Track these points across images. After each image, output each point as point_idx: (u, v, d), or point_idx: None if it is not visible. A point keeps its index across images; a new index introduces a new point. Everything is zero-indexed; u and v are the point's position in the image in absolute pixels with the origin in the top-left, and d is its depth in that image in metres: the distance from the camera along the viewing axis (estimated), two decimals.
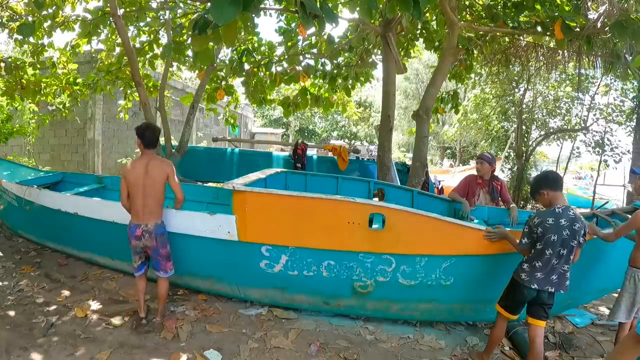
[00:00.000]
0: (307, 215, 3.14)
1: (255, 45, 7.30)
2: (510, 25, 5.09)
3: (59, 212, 4.09)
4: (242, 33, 6.15)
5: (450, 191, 4.48)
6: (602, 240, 2.91)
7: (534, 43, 6.04)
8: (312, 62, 7.31)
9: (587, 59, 5.63)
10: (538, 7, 4.81)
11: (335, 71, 7.40)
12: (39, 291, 3.68)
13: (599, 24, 4.25)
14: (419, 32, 6.99)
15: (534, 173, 10.70)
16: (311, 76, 7.29)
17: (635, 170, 3.49)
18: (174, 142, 7.36)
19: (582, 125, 10.61)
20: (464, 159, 21.07)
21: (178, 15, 6.57)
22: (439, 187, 8.20)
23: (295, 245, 3.19)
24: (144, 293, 3.29)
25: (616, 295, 2.96)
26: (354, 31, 6.68)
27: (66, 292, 3.68)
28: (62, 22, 5.97)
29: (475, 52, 6.61)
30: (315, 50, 7.02)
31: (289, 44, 6.91)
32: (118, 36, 5.99)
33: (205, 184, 6.78)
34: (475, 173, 4.43)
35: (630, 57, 5.08)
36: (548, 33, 4.63)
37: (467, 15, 6.15)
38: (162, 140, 6.85)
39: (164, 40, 6.80)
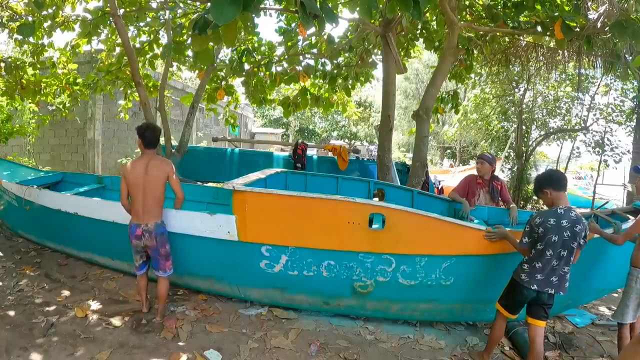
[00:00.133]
0: (307, 215, 3.14)
1: (255, 45, 7.30)
2: (510, 25, 5.09)
3: (59, 212, 4.09)
4: (242, 33, 6.15)
5: (450, 191, 4.48)
6: (608, 241, 2.90)
7: (534, 43, 6.04)
8: (312, 62, 7.31)
9: (587, 59, 5.63)
10: (538, 7, 4.80)
11: (335, 71, 7.40)
12: (39, 291, 3.68)
13: (599, 24, 4.24)
14: (419, 32, 6.98)
15: (534, 173, 10.71)
16: (311, 76, 7.29)
17: (639, 168, 3.48)
18: (174, 142, 7.36)
19: (582, 125, 10.61)
20: (464, 159, 21.06)
21: (178, 15, 6.57)
22: (439, 187, 8.19)
23: (295, 245, 3.19)
24: (145, 290, 3.35)
25: (616, 295, 2.96)
26: (354, 31, 6.68)
27: (66, 292, 3.68)
28: (62, 22, 5.97)
29: (475, 52, 6.61)
30: (315, 50, 7.02)
31: (289, 44, 6.91)
32: (118, 36, 5.99)
33: (205, 184, 6.77)
34: (476, 173, 4.43)
35: (630, 57, 5.08)
36: (548, 33, 4.63)
37: (467, 15, 6.15)
38: (162, 140, 6.85)
39: (164, 40, 6.81)
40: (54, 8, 5.71)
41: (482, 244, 3.02)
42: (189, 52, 6.52)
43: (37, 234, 4.88)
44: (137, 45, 6.75)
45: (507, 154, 11.19)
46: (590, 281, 3.27)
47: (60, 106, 7.64)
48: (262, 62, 7.05)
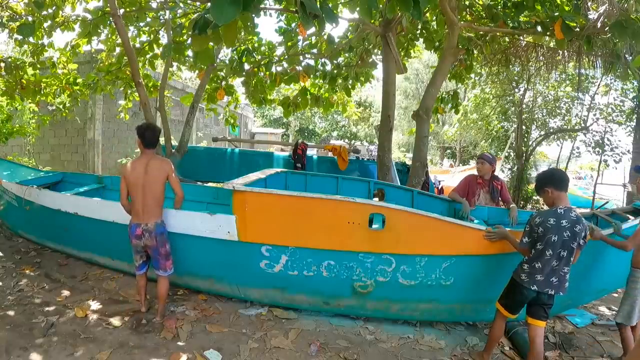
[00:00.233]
0: (307, 215, 3.14)
1: (255, 45, 7.30)
2: (510, 25, 5.09)
3: (59, 212, 4.09)
4: (242, 33, 6.15)
5: (450, 191, 4.48)
6: (616, 248, 2.89)
7: (534, 43, 6.04)
8: (312, 62, 7.31)
9: (587, 59, 5.63)
10: (538, 7, 4.80)
11: (335, 71, 7.40)
12: (39, 291, 3.68)
13: (599, 24, 4.24)
14: (419, 32, 6.98)
15: (534, 173, 10.71)
16: (311, 76, 7.29)
17: None
18: (174, 142, 7.36)
19: (582, 125, 10.61)
20: (464, 159, 21.06)
21: (178, 15, 6.57)
22: (439, 187, 8.19)
23: (295, 245, 3.19)
24: (144, 289, 3.36)
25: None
26: (354, 31, 6.68)
27: (66, 292, 3.68)
28: (62, 22, 5.97)
29: (475, 52, 6.61)
30: (315, 50, 7.02)
31: (289, 44, 6.91)
32: (118, 36, 5.99)
33: (205, 184, 6.78)
34: (476, 173, 4.43)
35: (630, 57, 5.08)
36: (548, 33, 4.63)
37: (467, 15, 6.15)
38: (162, 140, 6.85)
39: (164, 40, 6.81)
40: (54, 8, 5.71)
41: (482, 244, 3.02)
42: (189, 52, 6.53)
43: (37, 234, 4.88)
44: (137, 45, 6.75)
45: (507, 154, 11.19)
46: (590, 281, 3.27)
47: (60, 106, 7.64)
48: (262, 62, 7.05)
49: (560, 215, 2.55)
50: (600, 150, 10.34)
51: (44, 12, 5.59)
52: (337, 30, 57.32)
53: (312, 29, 3.91)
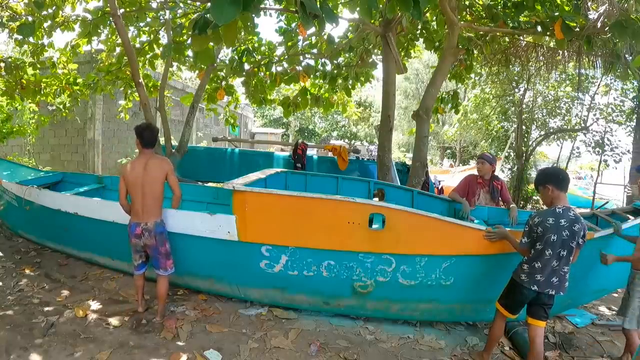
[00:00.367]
0: (307, 215, 3.14)
1: (255, 45, 7.30)
2: (510, 25, 5.09)
3: (59, 212, 4.09)
4: (242, 33, 6.15)
5: (451, 191, 4.48)
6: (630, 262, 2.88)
7: (534, 43, 6.03)
8: (312, 62, 7.31)
9: (587, 59, 5.63)
10: (538, 7, 4.80)
11: (335, 71, 7.40)
12: (39, 291, 3.68)
13: (599, 24, 4.24)
14: (419, 32, 6.98)
15: (534, 173, 10.70)
16: (311, 76, 7.29)
17: None
18: (174, 142, 7.36)
19: (582, 125, 10.61)
20: (464, 159, 21.06)
21: (178, 15, 6.57)
22: (439, 187, 8.19)
23: (295, 245, 3.19)
24: (142, 289, 3.36)
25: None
26: (354, 31, 6.68)
27: (66, 292, 3.68)
28: (62, 22, 5.97)
29: (475, 52, 6.61)
30: (315, 50, 7.02)
31: (289, 44, 6.91)
32: (118, 36, 5.99)
33: (205, 184, 6.78)
34: (476, 173, 4.43)
35: (630, 57, 5.08)
36: (548, 33, 4.63)
37: (467, 15, 6.15)
38: (162, 140, 6.85)
39: (164, 40, 6.81)
40: (54, 8, 5.71)
41: (482, 244, 3.02)
42: (189, 52, 6.53)
43: (37, 234, 4.88)
44: (137, 45, 6.75)
45: (507, 154, 11.19)
46: (590, 281, 3.27)
47: (60, 106, 7.64)
48: (262, 62, 7.05)
49: (559, 214, 2.56)
50: (600, 150, 10.34)
51: (44, 12, 5.59)
52: (337, 30, 57.35)
53: (312, 29, 3.91)
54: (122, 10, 5.59)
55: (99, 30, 5.92)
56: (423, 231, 3.09)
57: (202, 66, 6.48)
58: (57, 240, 4.60)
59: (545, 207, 2.75)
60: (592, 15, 4.41)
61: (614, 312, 3.95)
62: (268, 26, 55.04)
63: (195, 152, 8.31)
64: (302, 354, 2.91)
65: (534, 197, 10.39)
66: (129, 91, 7.60)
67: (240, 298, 3.64)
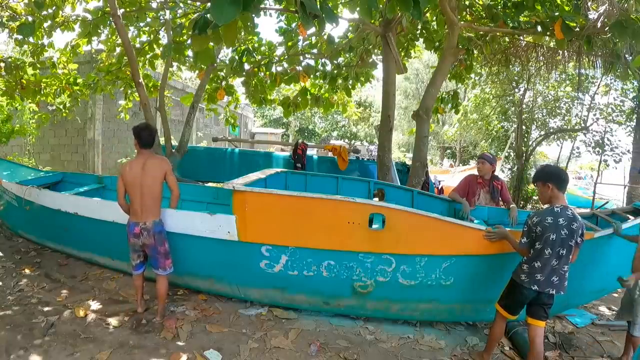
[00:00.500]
0: (307, 215, 3.14)
1: (256, 45, 7.30)
2: (510, 25, 5.09)
3: (59, 212, 4.09)
4: (242, 33, 6.15)
5: (451, 191, 4.48)
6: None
7: (534, 43, 6.03)
8: (312, 62, 7.31)
9: (587, 59, 5.63)
10: (538, 7, 4.80)
11: (335, 71, 7.40)
12: (39, 291, 3.68)
13: (599, 24, 4.24)
14: (419, 32, 6.98)
15: (533, 173, 10.69)
16: (311, 76, 7.29)
17: None
18: (174, 142, 7.36)
19: (582, 125, 10.62)
20: (464, 159, 21.06)
21: (178, 15, 6.58)
22: (439, 187, 8.19)
23: (295, 245, 3.19)
24: (141, 289, 3.36)
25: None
26: (354, 31, 6.68)
27: (66, 292, 3.68)
28: (62, 22, 5.97)
29: (475, 52, 6.61)
30: (315, 50, 7.02)
31: (289, 44, 6.91)
32: (118, 36, 5.99)
33: (205, 184, 6.78)
34: (476, 173, 4.43)
35: (630, 57, 5.08)
36: (548, 33, 4.62)
37: (467, 15, 6.15)
38: (162, 140, 6.86)
39: (164, 40, 6.81)
40: (54, 8, 5.71)
41: (482, 244, 3.02)
42: (189, 52, 6.53)
43: (37, 234, 4.88)
44: (137, 45, 6.75)
45: (507, 154, 11.19)
46: (590, 281, 3.27)
47: (60, 106, 7.64)
48: (262, 62, 7.05)
49: (557, 213, 2.57)
50: (600, 150, 10.34)
51: (44, 12, 5.60)
52: (337, 30, 57.37)
53: (312, 29, 3.91)
54: (122, 10, 5.59)
55: (99, 30, 5.93)
56: (423, 231, 3.09)
57: (202, 66, 6.48)
58: (57, 240, 4.60)
59: (541, 204, 2.75)
60: (592, 15, 4.41)
61: (614, 312, 3.95)
62: (268, 26, 55.08)
63: (195, 152, 8.31)
64: (302, 354, 2.91)
65: (534, 197, 10.39)
66: (129, 91, 7.60)
67: (240, 298, 3.64)
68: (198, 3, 5.92)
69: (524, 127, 10.77)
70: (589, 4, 4.48)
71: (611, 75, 8.27)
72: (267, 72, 7.01)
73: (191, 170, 7.66)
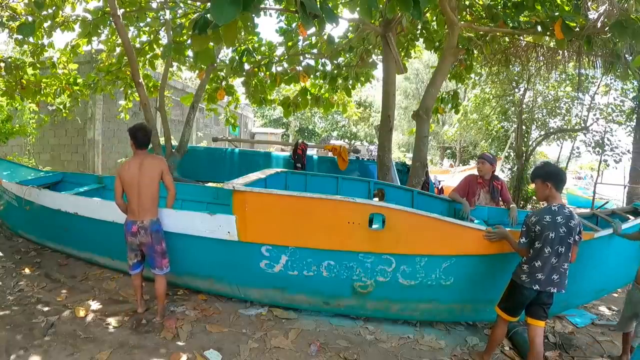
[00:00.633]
0: (307, 215, 3.14)
1: (256, 45, 7.30)
2: (510, 25, 5.09)
3: (59, 212, 4.09)
4: (242, 33, 6.15)
5: (451, 191, 4.48)
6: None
7: (534, 43, 6.03)
8: (312, 62, 7.31)
9: (587, 59, 5.62)
10: (538, 7, 4.80)
11: (335, 71, 7.40)
12: (39, 291, 3.68)
13: (599, 24, 4.24)
14: (419, 32, 6.98)
15: (532, 170, 10.67)
16: (311, 76, 7.29)
17: None
18: (174, 142, 7.36)
19: (582, 125, 10.61)
20: (464, 159, 21.06)
21: (178, 15, 6.58)
22: (439, 187, 8.19)
23: (295, 245, 3.19)
24: (140, 289, 3.36)
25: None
26: (354, 31, 6.68)
27: (66, 292, 3.68)
28: (62, 22, 5.97)
29: (475, 52, 6.60)
30: (315, 51, 7.02)
31: (289, 44, 6.91)
32: (118, 36, 5.99)
33: (205, 184, 6.78)
34: (476, 173, 4.43)
35: (630, 57, 5.08)
36: (548, 33, 4.62)
37: (467, 15, 6.15)
38: (162, 140, 6.86)
39: (164, 40, 6.81)
40: (54, 8, 5.71)
41: (482, 244, 3.02)
42: (189, 52, 6.53)
43: (37, 234, 4.88)
44: (137, 45, 6.75)
45: (507, 154, 11.19)
46: (590, 281, 3.27)
47: (61, 106, 7.64)
48: (262, 62, 7.05)
49: (554, 212, 2.59)
50: (600, 150, 10.34)
51: (44, 12, 5.59)
52: (337, 30, 57.37)
53: (312, 29, 3.91)
54: (122, 10, 5.59)
55: (99, 30, 5.92)
56: (423, 231, 3.09)
57: (202, 66, 6.48)
58: (57, 240, 4.60)
59: (537, 200, 2.77)
60: (592, 15, 4.41)
61: (614, 312, 3.95)
62: (268, 26, 55.06)
63: (195, 152, 8.31)
64: (302, 354, 2.91)
65: (534, 197, 10.38)
66: (129, 91, 7.60)
67: (240, 298, 3.64)
68: (198, 3, 5.92)
69: (524, 127, 10.77)
70: (589, 4, 4.47)
71: (611, 75, 8.27)
72: (267, 72, 7.01)
73: (191, 170, 7.66)
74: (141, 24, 6.59)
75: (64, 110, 7.67)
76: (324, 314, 3.50)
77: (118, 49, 7.01)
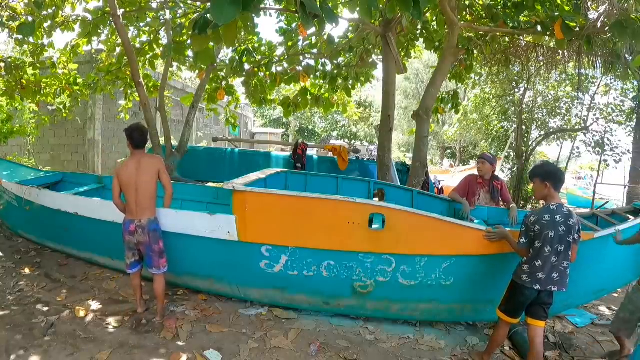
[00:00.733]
0: (307, 215, 3.14)
1: (256, 45, 7.30)
2: (510, 25, 5.09)
3: (59, 212, 4.09)
4: (242, 33, 6.15)
5: (451, 191, 4.48)
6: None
7: (534, 43, 6.03)
8: (312, 62, 7.31)
9: (587, 59, 5.63)
10: (538, 7, 4.80)
11: (335, 71, 7.40)
12: (39, 291, 3.68)
13: (599, 24, 4.24)
14: (419, 32, 6.98)
15: (531, 169, 10.67)
16: (311, 76, 7.29)
17: None
18: (174, 142, 7.36)
19: (582, 125, 10.61)
20: (464, 159, 21.06)
21: (178, 15, 6.58)
22: (439, 187, 8.19)
23: (295, 245, 3.19)
24: (140, 289, 3.36)
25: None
26: (354, 31, 6.68)
27: (66, 292, 3.68)
28: (62, 22, 5.97)
29: (475, 52, 6.60)
30: (315, 51, 7.02)
31: (289, 44, 6.91)
32: (118, 36, 5.99)
33: (205, 184, 6.78)
34: (476, 173, 4.43)
35: (630, 57, 5.08)
36: (548, 33, 4.62)
37: (467, 15, 6.15)
38: (162, 140, 6.86)
39: (164, 40, 6.81)
40: (54, 8, 5.71)
41: (482, 244, 3.02)
42: (189, 52, 6.53)
43: (37, 234, 4.88)
44: (137, 46, 6.75)
45: (507, 154, 11.19)
46: (590, 281, 3.26)
47: (61, 106, 7.64)
48: (262, 62, 7.05)
49: (553, 211, 2.59)
50: (600, 150, 10.34)
51: (44, 12, 5.60)
52: (337, 30, 57.38)
53: (312, 29, 3.91)
54: (122, 10, 5.59)
55: (99, 31, 5.93)
56: (423, 231, 3.09)
57: (202, 66, 6.48)
58: (57, 240, 4.60)
59: (535, 199, 2.78)
60: (592, 15, 4.41)
61: (614, 312, 3.95)
62: (268, 26, 55.08)
63: (195, 152, 8.31)
64: (302, 354, 2.91)
65: (534, 197, 10.39)
66: (129, 91, 7.60)
67: (240, 298, 3.64)
68: (198, 3, 5.92)
69: (524, 127, 10.77)
70: (589, 4, 4.47)
71: (611, 75, 8.27)
72: (267, 72, 7.01)
73: (191, 170, 7.66)
74: (141, 24, 6.59)
75: (64, 110, 7.67)
76: (324, 314, 3.50)
77: (118, 49, 7.02)
